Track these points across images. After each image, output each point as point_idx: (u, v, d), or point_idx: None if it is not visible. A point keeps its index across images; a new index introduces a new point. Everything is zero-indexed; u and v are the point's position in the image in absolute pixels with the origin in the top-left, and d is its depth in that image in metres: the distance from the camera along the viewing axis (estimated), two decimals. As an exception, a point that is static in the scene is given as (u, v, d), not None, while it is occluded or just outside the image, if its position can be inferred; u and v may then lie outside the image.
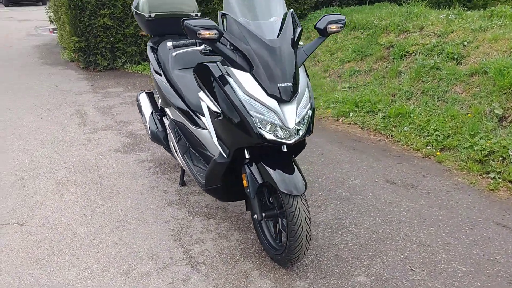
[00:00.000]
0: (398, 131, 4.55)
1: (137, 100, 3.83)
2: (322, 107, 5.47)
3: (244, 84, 2.34)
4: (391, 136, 4.56)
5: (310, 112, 2.45)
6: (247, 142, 2.41)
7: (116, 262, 2.67)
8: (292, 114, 2.33)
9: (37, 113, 5.56)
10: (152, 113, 3.65)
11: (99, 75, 7.71)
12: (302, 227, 2.35)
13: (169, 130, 3.33)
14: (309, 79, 2.55)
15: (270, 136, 2.32)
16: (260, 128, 2.31)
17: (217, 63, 2.47)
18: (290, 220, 2.36)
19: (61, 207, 3.27)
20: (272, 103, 2.31)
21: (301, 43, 2.69)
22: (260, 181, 2.47)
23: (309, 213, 2.38)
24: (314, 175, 3.79)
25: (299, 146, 2.70)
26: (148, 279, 2.52)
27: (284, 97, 2.30)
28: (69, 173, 3.85)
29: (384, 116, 4.83)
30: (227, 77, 2.40)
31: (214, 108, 2.49)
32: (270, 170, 2.39)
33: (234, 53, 2.36)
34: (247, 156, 2.50)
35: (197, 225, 3.06)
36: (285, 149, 2.51)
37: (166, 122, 3.46)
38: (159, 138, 3.50)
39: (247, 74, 2.35)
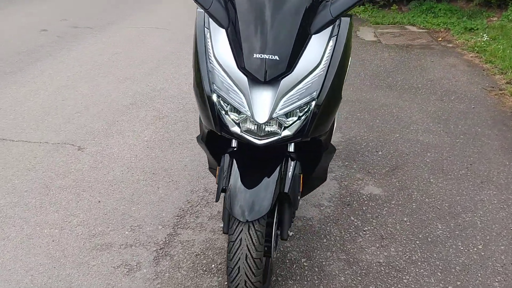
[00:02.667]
0: None
1: None
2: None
3: (215, 46, 1.62)
4: None
5: (312, 105, 1.54)
6: (211, 127, 1.69)
7: (100, 219, 2.40)
8: (266, 103, 1.53)
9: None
10: None
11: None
12: (238, 267, 1.58)
13: None
14: (331, 58, 1.57)
15: (234, 128, 1.58)
16: (225, 113, 1.58)
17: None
18: (228, 252, 1.60)
19: (128, 142, 3.15)
20: (241, 80, 1.53)
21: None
22: (225, 184, 1.71)
23: (258, 251, 1.58)
24: (424, 191, 2.59)
25: (314, 151, 1.80)
26: (103, 252, 2.17)
27: (259, 76, 1.50)
28: (175, 109, 3.69)
29: None
30: (205, 31, 1.68)
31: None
32: (234, 174, 1.64)
33: None
34: (233, 144, 1.76)
35: (215, 207, 2.48)
36: (291, 149, 1.70)
37: None
38: None
39: (223, 32, 1.61)
